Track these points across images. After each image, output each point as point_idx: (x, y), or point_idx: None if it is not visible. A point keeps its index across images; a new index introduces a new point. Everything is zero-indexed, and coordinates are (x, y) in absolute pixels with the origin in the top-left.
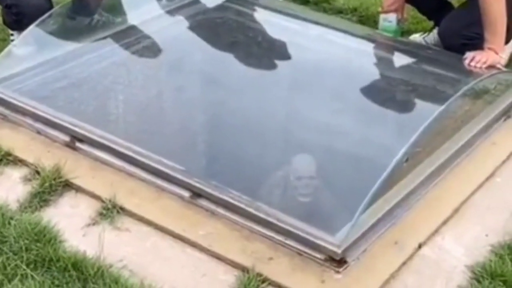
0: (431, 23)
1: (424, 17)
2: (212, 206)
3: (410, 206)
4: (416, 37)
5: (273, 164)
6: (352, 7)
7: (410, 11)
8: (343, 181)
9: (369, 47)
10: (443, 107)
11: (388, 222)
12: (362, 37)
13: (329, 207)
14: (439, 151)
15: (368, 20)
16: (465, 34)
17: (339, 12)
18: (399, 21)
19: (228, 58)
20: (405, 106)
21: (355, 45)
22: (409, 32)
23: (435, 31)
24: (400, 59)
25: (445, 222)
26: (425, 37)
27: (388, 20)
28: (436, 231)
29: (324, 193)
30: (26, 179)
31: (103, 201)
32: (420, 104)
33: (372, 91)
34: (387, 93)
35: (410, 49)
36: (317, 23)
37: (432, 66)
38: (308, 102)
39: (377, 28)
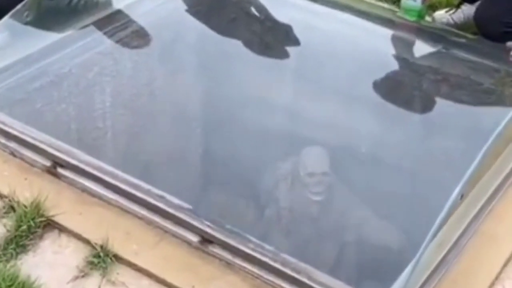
0: None
1: None
2: (227, 255)
3: (463, 247)
4: (441, 14)
5: None
6: None
7: None
8: (385, 225)
9: (393, 36)
10: (500, 127)
11: (442, 270)
12: (384, 22)
13: (372, 259)
14: (489, 174)
15: None
16: (507, 22)
17: None
18: (424, 0)
19: (230, 42)
20: (449, 119)
21: (374, 29)
22: (432, 7)
23: (464, 7)
24: (434, 54)
25: (506, 264)
26: (452, 14)
27: None
28: (496, 279)
29: (365, 239)
30: None
31: (93, 246)
32: (469, 115)
33: (404, 96)
34: (425, 99)
35: (444, 39)
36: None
37: (475, 63)
38: (330, 109)
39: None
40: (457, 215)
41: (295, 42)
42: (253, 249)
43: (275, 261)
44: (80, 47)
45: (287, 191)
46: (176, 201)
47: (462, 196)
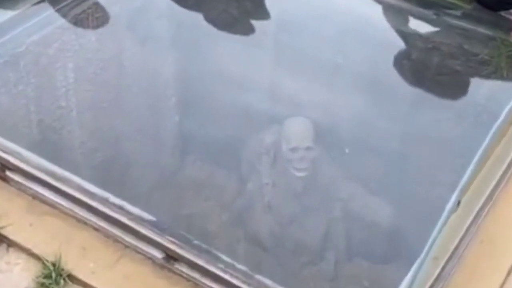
0: None
1: None
2: (195, 275)
3: (460, 255)
4: None
5: None
6: None
7: None
8: (374, 202)
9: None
10: (500, 119)
11: (439, 283)
12: None
13: (358, 241)
14: (487, 168)
15: None
16: None
17: None
18: None
19: (202, 11)
20: (442, 96)
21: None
22: None
23: None
24: (425, 22)
25: (509, 274)
26: None
27: None
28: None
29: (352, 218)
30: None
31: (44, 264)
32: (464, 93)
33: (392, 68)
34: (415, 72)
35: (436, 5)
36: None
37: (470, 31)
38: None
39: None
40: (453, 221)
41: (266, 13)
42: (223, 270)
43: (249, 284)
44: (36, 23)
45: (269, 167)
46: (137, 211)
47: (459, 203)
